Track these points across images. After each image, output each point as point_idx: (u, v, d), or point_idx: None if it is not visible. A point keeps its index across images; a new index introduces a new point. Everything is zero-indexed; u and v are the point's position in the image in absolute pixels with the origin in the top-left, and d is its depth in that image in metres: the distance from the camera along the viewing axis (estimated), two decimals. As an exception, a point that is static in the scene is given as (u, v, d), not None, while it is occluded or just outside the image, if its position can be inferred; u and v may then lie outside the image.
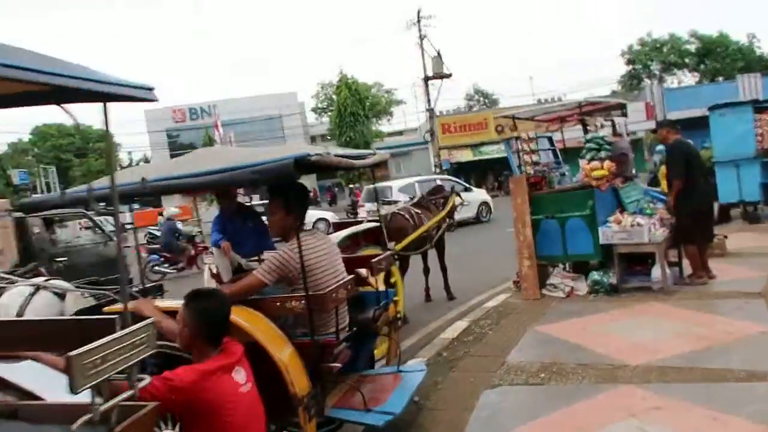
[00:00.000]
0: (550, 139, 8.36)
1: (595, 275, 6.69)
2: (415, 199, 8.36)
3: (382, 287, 4.15)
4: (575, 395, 4.03)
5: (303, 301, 3.07)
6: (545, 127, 8.19)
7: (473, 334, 5.82)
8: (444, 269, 8.44)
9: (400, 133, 53.63)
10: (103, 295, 4.31)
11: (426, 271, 8.51)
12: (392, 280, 6.47)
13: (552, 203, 7.03)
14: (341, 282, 3.30)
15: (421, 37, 30.87)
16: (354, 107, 33.23)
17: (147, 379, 1.92)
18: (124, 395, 1.70)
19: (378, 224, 7.07)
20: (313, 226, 7.45)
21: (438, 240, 8.16)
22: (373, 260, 3.87)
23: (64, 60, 1.79)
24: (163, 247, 14.03)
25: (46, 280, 4.66)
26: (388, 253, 4.19)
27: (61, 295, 4.35)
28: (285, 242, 3.33)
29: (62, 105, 1.78)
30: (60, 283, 4.51)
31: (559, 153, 8.35)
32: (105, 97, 1.77)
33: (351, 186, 27.79)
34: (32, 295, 4.47)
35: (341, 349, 3.30)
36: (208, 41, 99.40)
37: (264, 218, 6.38)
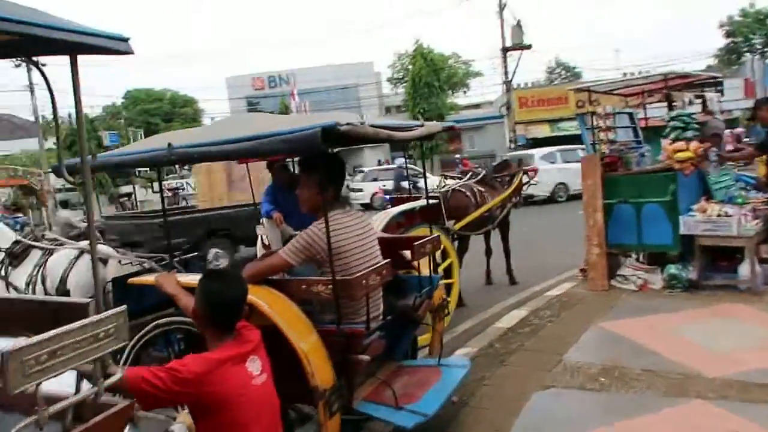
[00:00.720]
0: (631, 116, 7.62)
1: (672, 269, 6.05)
2: (480, 176, 7.89)
3: (426, 272, 3.82)
4: (637, 407, 3.57)
5: (330, 286, 2.80)
6: (625, 103, 7.45)
7: (531, 325, 5.40)
8: (507, 252, 7.99)
9: (477, 106, 52.21)
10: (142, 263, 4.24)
11: (488, 252, 8.10)
12: (448, 261, 6.13)
13: (628, 186, 6.40)
14: (374, 267, 2.99)
15: (501, 6, 29.57)
16: (429, 78, 32.45)
17: (117, 375, 1.70)
18: (79, 396, 1.49)
19: (437, 201, 6.72)
20: None
21: (502, 220, 7.70)
22: (416, 243, 3.53)
23: (33, 8, 1.55)
24: None
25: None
26: (434, 236, 3.83)
27: (103, 261, 4.31)
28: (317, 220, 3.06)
29: (32, 59, 1.55)
30: (104, 249, 4.47)
31: (640, 131, 7.61)
32: (76, 48, 1.53)
33: (458, 156, 27.26)
34: (77, 258, 4.48)
35: (372, 339, 3.02)
36: (289, 8, 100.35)
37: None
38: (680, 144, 5.95)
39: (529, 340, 4.98)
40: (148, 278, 3.19)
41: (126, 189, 34.68)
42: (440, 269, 6.02)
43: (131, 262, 4.22)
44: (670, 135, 6.14)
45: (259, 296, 2.81)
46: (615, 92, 7.22)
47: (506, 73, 30.73)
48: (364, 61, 49.19)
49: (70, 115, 38.63)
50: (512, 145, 29.97)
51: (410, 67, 35.56)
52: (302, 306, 2.92)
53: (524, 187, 8.29)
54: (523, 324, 5.45)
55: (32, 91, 33.90)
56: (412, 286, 3.73)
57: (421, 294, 3.58)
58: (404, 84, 40.88)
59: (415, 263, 3.89)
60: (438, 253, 5.91)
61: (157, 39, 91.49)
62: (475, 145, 35.58)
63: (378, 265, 3.03)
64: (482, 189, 7.41)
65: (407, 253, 3.79)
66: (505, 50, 30.35)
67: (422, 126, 3.46)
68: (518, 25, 29.21)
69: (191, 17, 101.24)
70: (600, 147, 6.69)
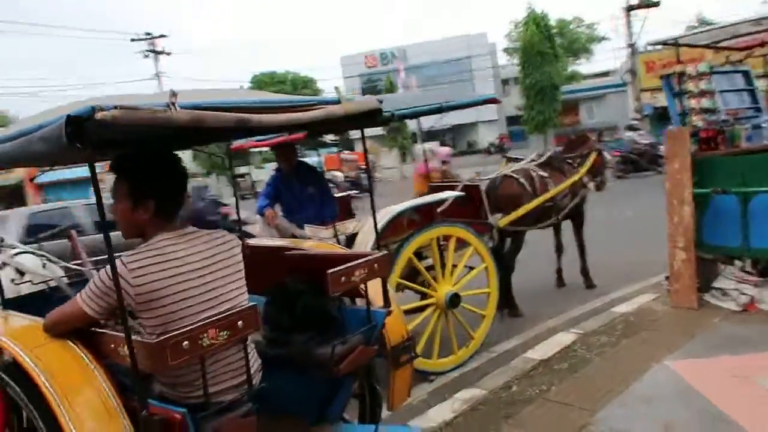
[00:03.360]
0: (746, 75, 5.76)
1: (792, 283, 4.40)
2: (544, 157, 6.46)
3: (378, 301, 2.75)
4: None
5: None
6: (725, 59, 5.61)
7: (572, 357, 4.09)
8: (582, 248, 6.57)
9: (605, 74, 47.87)
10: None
11: (558, 249, 6.72)
12: (482, 266, 4.91)
13: (730, 170, 4.76)
14: (218, 317, 1.99)
15: (625, -42, 26.37)
16: (541, 46, 29.85)
17: None
18: None
19: (475, 189, 5.50)
20: None
21: (573, 210, 6.28)
22: (331, 272, 2.45)
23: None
24: None
25: None
26: (376, 255, 2.70)
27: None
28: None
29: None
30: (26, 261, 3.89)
31: (759, 96, 5.75)
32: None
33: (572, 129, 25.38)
34: None
35: (225, 420, 2.04)
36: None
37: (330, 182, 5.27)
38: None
39: (559, 384, 3.70)
40: None
41: (243, 170, 35.95)
42: (468, 278, 4.86)
43: (31, 281, 3.56)
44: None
45: (43, 358, 1.95)
46: (716, 45, 5.44)
47: (630, 35, 27.60)
48: (477, 33, 46.97)
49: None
50: (638, 116, 26.92)
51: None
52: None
53: (606, 167, 6.76)
54: (564, 355, 4.15)
55: (159, 79, 36.12)
56: (355, 322, 2.69)
57: (345, 339, 2.51)
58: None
59: (365, 289, 2.84)
60: (465, 256, 4.76)
61: (276, 23, 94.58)
62: (594, 116, 32.61)
63: (225, 314, 2.01)
64: (544, 174, 6.03)
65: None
66: (629, 9, 27.23)
67: (327, 104, 2.33)
68: (643, -21, 26.03)
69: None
70: (690, 118, 5.06)
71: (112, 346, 1.95)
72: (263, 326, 2.81)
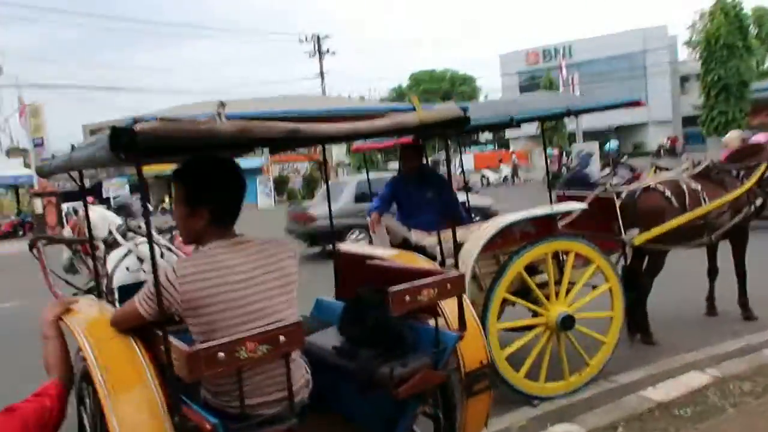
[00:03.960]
0: None
1: None
2: (701, 166, 5.65)
3: (454, 323, 2.56)
4: None
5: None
6: None
7: (699, 404, 3.52)
8: (741, 274, 5.69)
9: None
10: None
11: (711, 272, 5.91)
12: (605, 286, 4.43)
13: None
14: (260, 331, 1.95)
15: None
16: (729, 37, 26.47)
17: None
18: None
19: (608, 202, 4.98)
20: None
21: (733, 230, 5.46)
22: (394, 290, 2.29)
23: None
24: None
25: None
26: (448, 276, 2.46)
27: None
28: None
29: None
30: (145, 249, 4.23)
31: None
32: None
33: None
34: (123, 257, 4.32)
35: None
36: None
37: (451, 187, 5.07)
38: None
39: (676, 435, 3.21)
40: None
41: (392, 165, 36.88)
42: (587, 299, 4.42)
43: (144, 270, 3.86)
44: None
45: (102, 352, 2.08)
46: None
47: None
48: (655, 26, 43.23)
49: (349, 96, 42.63)
50: None
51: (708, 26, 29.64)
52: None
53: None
54: (690, 399, 3.58)
55: (323, 77, 38.28)
56: (428, 342, 2.54)
57: (407, 360, 2.37)
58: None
59: (441, 308, 2.67)
60: (587, 275, 4.33)
61: (433, 20, 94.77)
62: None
63: (267, 328, 1.97)
64: (697, 186, 5.30)
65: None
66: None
67: (403, 113, 2.18)
68: None
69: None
70: None
71: (161, 347, 2.02)
72: (338, 335, 2.78)
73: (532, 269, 4.41)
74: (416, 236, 4.50)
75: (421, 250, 4.43)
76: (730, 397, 3.57)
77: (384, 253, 3.20)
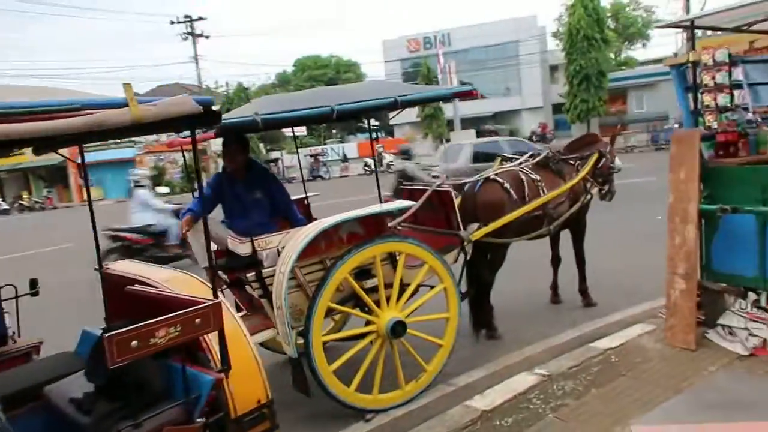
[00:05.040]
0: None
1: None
2: (541, 156, 5.62)
3: (215, 360, 2.12)
4: None
5: None
6: (749, 44, 4.67)
7: (519, 411, 3.36)
8: (581, 262, 5.77)
9: (659, 60, 45.36)
10: None
11: (555, 261, 5.96)
12: (440, 287, 4.20)
13: (747, 184, 3.91)
14: None
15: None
16: (588, 30, 28.16)
17: None
18: None
19: (446, 195, 4.77)
20: None
21: (571, 220, 5.48)
22: (110, 335, 1.79)
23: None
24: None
25: None
26: (202, 305, 2.03)
27: None
28: None
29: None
30: None
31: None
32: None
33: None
34: None
35: None
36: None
37: (284, 187, 4.60)
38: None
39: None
40: None
41: (275, 155, 35.74)
42: (420, 301, 4.19)
43: None
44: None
45: None
46: (746, 28, 4.48)
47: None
48: (526, 16, 45.16)
49: (227, 84, 40.87)
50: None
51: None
52: None
53: (612, 172, 5.89)
54: (513, 407, 3.42)
55: (197, 62, 36.31)
56: (178, 389, 2.09)
57: (150, 413, 1.91)
58: (568, 39, 36.53)
59: (208, 343, 2.22)
60: (419, 276, 4.08)
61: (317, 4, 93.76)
62: (644, 106, 30.74)
63: None
64: (537, 177, 5.24)
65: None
66: (685, -10, 25.36)
67: (103, 108, 1.68)
68: (700, -43, 24.12)
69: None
70: (705, 118, 4.20)
71: None
72: (87, 381, 2.26)
73: (366, 273, 4.10)
74: (231, 243, 4.02)
75: (238, 259, 3.97)
76: (552, 399, 3.45)
77: (156, 275, 2.69)
